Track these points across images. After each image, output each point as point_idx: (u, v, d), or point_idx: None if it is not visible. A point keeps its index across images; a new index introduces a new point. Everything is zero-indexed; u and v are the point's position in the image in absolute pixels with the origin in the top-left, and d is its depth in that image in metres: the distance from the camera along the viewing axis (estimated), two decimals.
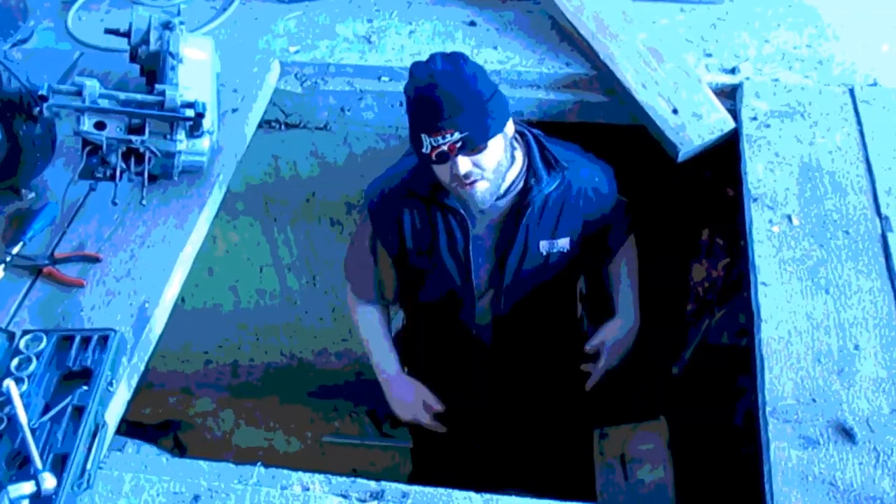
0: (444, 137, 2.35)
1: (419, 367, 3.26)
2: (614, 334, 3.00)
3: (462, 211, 2.65)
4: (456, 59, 2.43)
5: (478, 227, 2.71)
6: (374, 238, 2.91)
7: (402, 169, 2.79)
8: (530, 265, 2.76)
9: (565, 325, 3.18)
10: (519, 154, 2.64)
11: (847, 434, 2.07)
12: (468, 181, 2.45)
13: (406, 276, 2.97)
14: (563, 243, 2.75)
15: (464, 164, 2.41)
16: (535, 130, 2.74)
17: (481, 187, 2.49)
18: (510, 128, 2.52)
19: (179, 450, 4.94)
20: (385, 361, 3.12)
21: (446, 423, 3.23)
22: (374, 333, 3.14)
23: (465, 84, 2.38)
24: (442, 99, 2.35)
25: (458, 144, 2.36)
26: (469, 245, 2.71)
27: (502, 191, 2.62)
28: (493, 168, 2.46)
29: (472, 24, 3.48)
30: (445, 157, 2.40)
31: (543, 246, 2.73)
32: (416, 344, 3.26)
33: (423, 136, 2.38)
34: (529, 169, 2.65)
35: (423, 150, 2.40)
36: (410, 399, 3.11)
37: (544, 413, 3.24)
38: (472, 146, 2.38)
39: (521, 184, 2.65)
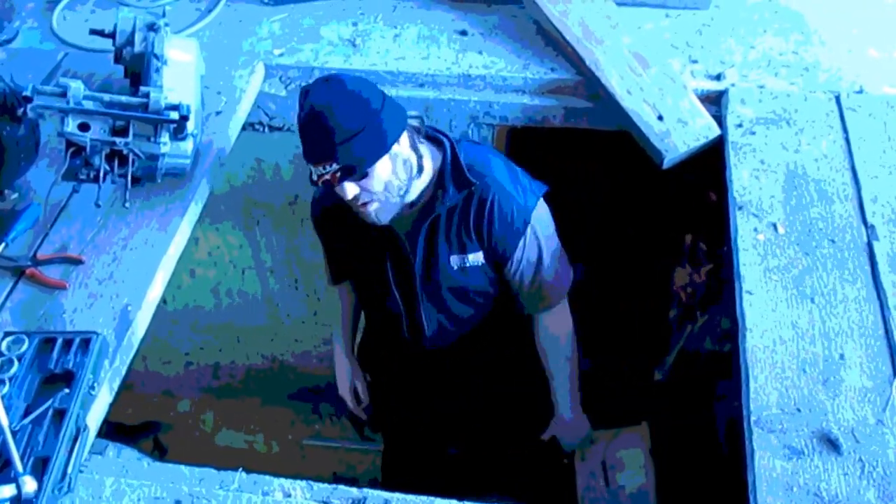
0: (323, 168, 2.37)
1: (377, 372, 3.35)
2: (561, 434, 3.12)
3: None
4: (333, 87, 2.40)
5: (391, 234, 2.70)
6: (317, 232, 3.01)
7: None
8: (447, 276, 2.73)
9: (519, 331, 3.07)
10: (428, 163, 2.60)
11: (832, 444, 2.07)
12: (359, 203, 2.47)
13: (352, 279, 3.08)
14: (476, 258, 2.69)
15: (350, 189, 2.42)
16: (461, 139, 2.71)
17: (373, 208, 2.49)
18: (403, 143, 2.47)
19: (160, 451, 4.92)
20: (337, 339, 3.31)
21: (412, 427, 3.26)
22: (337, 313, 3.30)
23: (340, 115, 2.34)
24: (317, 133, 2.36)
25: (338, 174, 2.37)
26: (384, 251, 2.74)
27: (410, 199, 2.60)
28: (381, 190, 2.45)
29: (464, 33, 3.47)
30: (330, 185, 2.42)
31: (454, 260, 2.70)
32: (373, 348, 3.33)
33: (309, 165, 2.42)
34: (439, 179, 2.61)
35: (313, 179, 2.43)
36: (343, 381, 3.31)
37: (517, 419, 3.24)
38: (352, 175, 2.38)
39: (431, 193, 2.62)
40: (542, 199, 2.70)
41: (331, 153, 2.34)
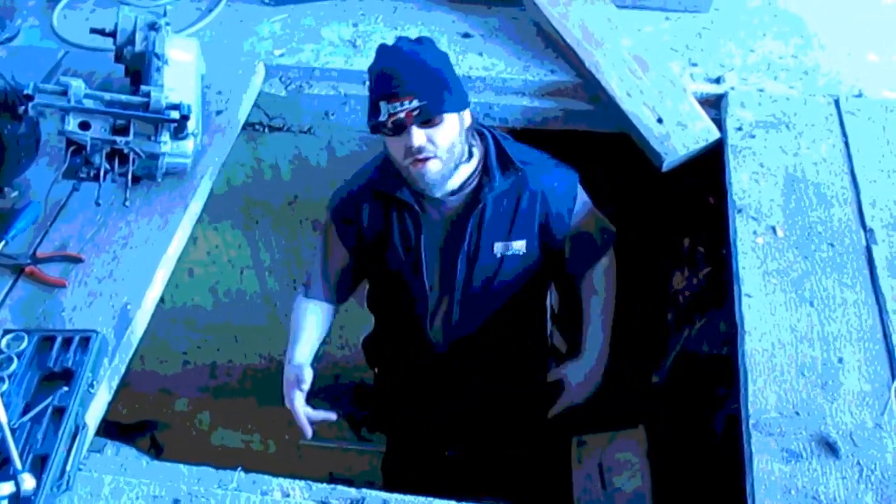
0: (401, 104, 2.37)
1: (385, 371, 3.31)
2: (574, 376, 2.95)
3: (416, 206, 2.66)
4: (421, 40, 2.53)
5: (431, 224, 2.71)
6: (334, 234, 2.90)
7: (364, 170, 2.82)
8: (484, 266, 2.75)
9: (529, 334, 3.15)
10: (476, 151, 2.65)
11: (830, 448, 2.07)
12: (421, 156, 2.46)
13: (365, 275, 3.00)
14: (519, 246, 2.73)
15: (418, 136, 2.42)
16: (497, 132, 2.76)
17: (433, 166, 2.49)
18: (467, 117, 2.55)
19: (156, 450, 4.92)
20: (290, 350, 2.93)
21: (416, 427, 3.24)
22: (296, 323, 3.00)
23: (427, 59, 2.45)
24: (403, 67, 2.40)
25: (416, 112, 2.38)
26: (420, 240, 2.72)
27: (457, 185, 2.63)
28: (446, 147, 2.47)
29: (467, 35, 3.48)
30: (402, 126, 2.41)
31: (498, 248, 2.72)
32: (383, 347, 3.26)
33: (381, 103, 2.41)
34: (485, 168, 2.65)
35: (380, 118, 2.42)
36: (286, 381, 2.88)
37: (518, 421, 3.24)
38: (428, 116, 2.40)
39: (476, 182, 2.66)
40: None
41: (415, 88, 2.37)
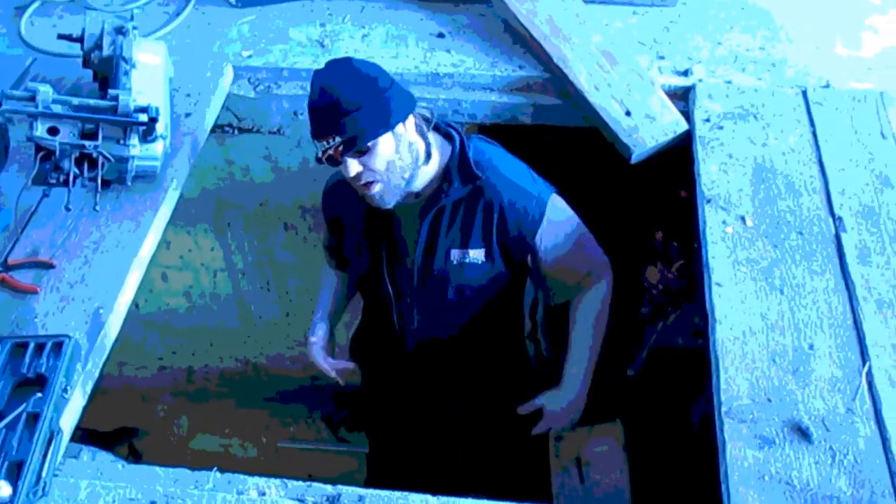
0: (327, 143, 2.42)
1: (364, 366, 3.30)
2: (553, 405, 2.99)
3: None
4: (342, 65, 2.49)
5: (397, 224, 2.75)
6: (326, 220, 3.00)
7: None
8: (439, 271, 2.74)
9: (501, 341, 3.14)
10: (436, 153, 2.65)
11: (803, 434, 2.09)
12: (360, 183, 2.51)
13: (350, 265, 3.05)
14: (476, 255, 2.71)
15: (352, 166, 2.46)
16: (477, 137, 2.77)
17: (377, 189, 2.52)
18: (409, 126, 2.53)
19: (135, 457, 4.90)
20: (313, 325, 3.17)
21: (396, 424, 3.25)
22: (319, 296, 3.25)
23: (346, 90, 2.42)
24: (322, 105, 2.41)
25: (340, 148, 2.41)
26: (387, 240, 2.76)
27: (416, 188, 2.65)
28: (382, 169, 2.48)
29: (441, 35, 3.48)
30: (334, 161, 2.46)
31: (454, 254, 2.71)
32: (364, 342, 3.29)
33: (314, 141, 2.46)
34: (446, 171, 2.65)
35: (316, 155, 2.47)
36: (308, 343, 3.13)
37: (494, 418, 3.24)
38: (354, 148, 2.42)
39: (437, 185, 2.67)
40: (555, 193, 2.76)
41: (335, 125, 2.39)
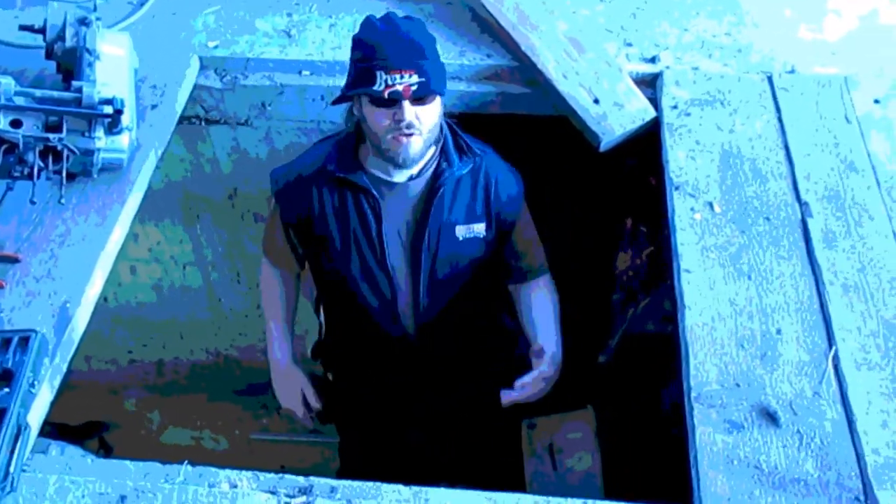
0: (402, 77, 2.40)
1: (344, 371, 3.30)
2: (546, 371, 2.95)
3: (374, 192, 2.67)
4: (413, 19, 2.58)
5: (390, 209, 2.72)
6: (279, 216, 2.92)
7: (314, 154, 2.82)
8: (448, 249, 2.77)
9: (488, 318, 3.18)
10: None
11: (771, 418, 2.11)
12: (408, 131, 2.49)
13: (324, 263, 2.96)
14: (479, 228, 2.77)
15: (409, 112, 2.44)
16: (449, 120, 2.78)
17: (416, 142, 2.52)
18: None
19: (105, 451, 4.88)
20: (277, 344, 3.14)
21: (372, 416, 3.24)
22: (273, 308, 3.16)
23: (423, 39, 2.49)
24: (403, 41, 2.44)
25: (414, 87, 2.40)
26: (382, 226, 2.72)
27: (417, 170, 2.67)
28: (430, 126, 2.52)
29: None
30: (396, 99, 2.43)
31: (460, 231, 2.75)
32: (338, 351, 3.25)
33: (378, 73, 2.41)
34: (442, 153, 2.69)
35: (375, 87, 2.41)
36: (289, 390, 3.12)
37: (470, 405, 3.25)
38: (424, 93, 2.43)
39: (434, 166, 2.69)
40: None
41: (416, 63, 2.41)
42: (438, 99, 2.52)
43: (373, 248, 2.77)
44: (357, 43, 2.53)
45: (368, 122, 2.54)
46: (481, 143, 2.81)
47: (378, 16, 2.55)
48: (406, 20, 2.54)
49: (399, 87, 2.40)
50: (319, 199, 2.76)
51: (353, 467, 3.54)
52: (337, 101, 2.65)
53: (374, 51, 2.44)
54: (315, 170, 2.76)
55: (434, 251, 2.76)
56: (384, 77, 2.40)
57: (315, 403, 3.09)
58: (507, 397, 2.92)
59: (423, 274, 2.80)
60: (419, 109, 2.46)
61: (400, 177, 2.68)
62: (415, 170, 2.67)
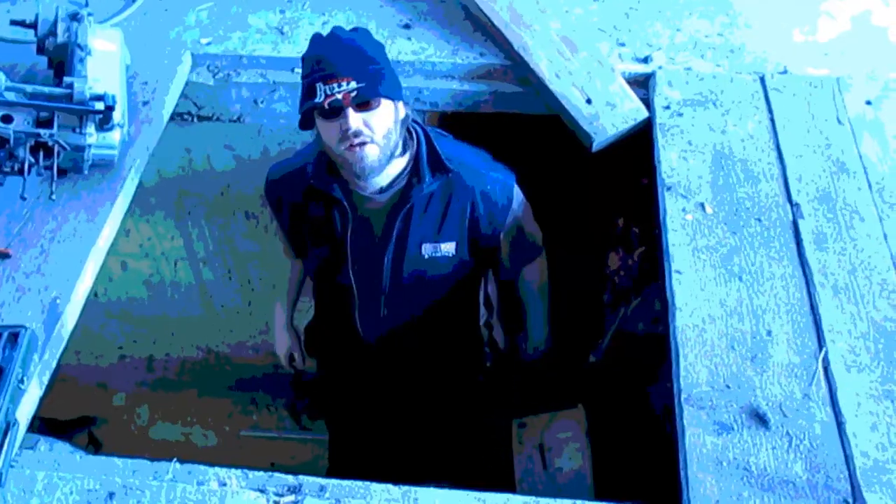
0: (339, 85, 2.35)
1: (322, 359, 3.34)
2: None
3: (345, 203, 2.65)
4: (357, 29, 2.57)
5: (359, 221, 2.70)
6: (272, 211, 2.95)
7: (303, 154, 2.81)
8: (411, 266, 2.74)
9: (460, 328, 3.17)
10: (408, 149, 2.64)
11: (760, 419, 2.11)
12: (357, 140, 2.43)
13: (304, 258, 3.03)
14: (448, 248, 2.73)
15: (355, 119, 2.39)
16: (433, 130, 2.75)
17: (371, 151, 2.45)
18: (402, 110, 2.54)
19: (95, 446, 4.87)
20: (278, 314, 3.32)
21: (356, 414, 3.26)
22: (282, 285, 3.31)
23: (363, 45, 2.46)
24: (340, 51, 2.41)
25: (353, 94, 2.36)
26: (347, 236, 2.71)
27: (387, 182, 2.62)
28: (382, 133, 2.45)
29: (407, 26, 3.45)
30: (338, 109, 2.39)
31: (426, 248, 2.72)
32: (319, 336, 3.30)
33: (317, 85, 2.38)
34: (415, 167, 2.63)
35: (317, 100, 2.38)
36: (281, 346, 3.34)
37: (457, 407, 3.25)
38: (365, 98, 2.38)
39: (405, 180, 2.64)
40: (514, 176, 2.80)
41: (355, 69, 2.37)
42: (390, 104, 2.46)
43: (338, 257, 2.77)
44: (302, 61, 2.52)
45: (322, 136, 2.52)
46: (467, 151, 2.77)
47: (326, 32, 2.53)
48: (351, 31, 2.53)
49: (339, 95, 2.36)
50: (300, 199, 2.77)
51: (341, 466, 3.54)
52: (302, 125, 2.58)
53: (316, 64, 2.42)
54: (298, 169, 2.75)
55: (396, 268, 2.75)
56: (324, 88, 2.37)
57: (299, 362, 3.36)
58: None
59: (384, 288, 2.80)
60: (366, 116, 2.41)
61: (369, 189, 2.64)
62: (384, 181, 2.62)
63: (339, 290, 2.86)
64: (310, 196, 2.72)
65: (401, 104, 2.53)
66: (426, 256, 2.73)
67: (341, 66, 2.37)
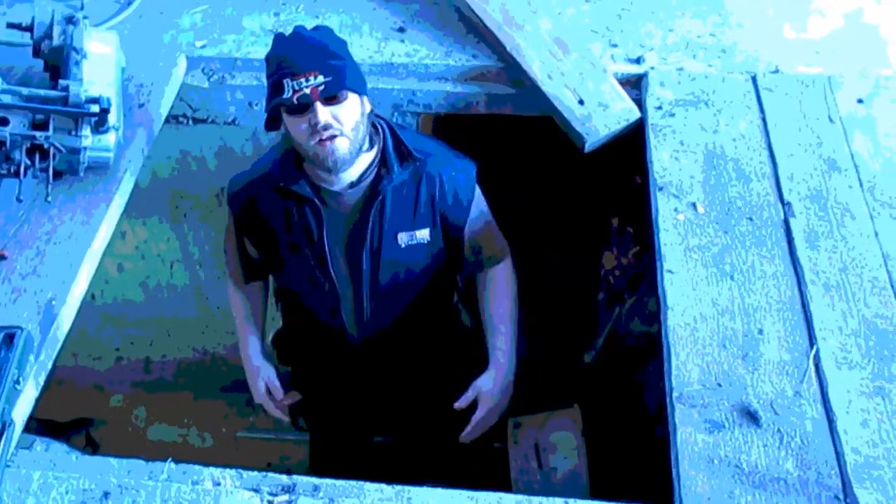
0: (306, 80, 2.41)
1: (300, 366, 3.32)
2: (487, 387, 2.93)
3: (316, 201, 2.68)
4: (318, 28, 2.63)
5: (333, 218, 2.72)
6: (236, 225, 2.96)
7: (266, 161, 2.84)
8: (390, 257, 2.76)
9: (442, 319, 3.18)
10: (374, 143, 2.69)
11: (752, 417, 2.11)
12: (326, 134, 2.47)
13: (274, 266, 3.02)
14: (423, 235, 2.76)
15: (323, 113, 2.44)
16: (394, 123, 2.78)
17: (341, 144, 2.50)
18: (367, 105, 2.59)
19: (92, 447, 4.88)
20: (243, 344, 3.20)
21: (338, 416, 3.26)
22: (239, 315, 3.23)
23: (327, 40, 2.53)
24: (305, 48, 2.46)
25: (320, 88, 2.41)
26: (324, 235, 2.72)
27: (356, 177, 2.66)
28: (351, 126, 2.50)
29: (402, 29, 3.46)
30: (307, 103, 2.43)
31: (402, 238, 2.74)
32: (295, 343, 3.29)
33: (285, 81, 2.43)
34: (382, 159, 2.68)
35: (284, 96, 2.43)
36: (256, 386, 3.16)
37: (449, 405, 3.26)
38: (333, 92, 2.43)
39: (374, 174, 2.68)
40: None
41: (321, 63, 2.42)
42: (356, 98, 2.52)
43: (315, 256, 2.78)
44: (267, 60, 2.56)
45: (291, 133, 2.56)
46: (429, 141, 2.83)
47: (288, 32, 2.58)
48: (313, 29, 2.59)
49: (306, 90, 2.41)
50: (266, 205, 2.78)
51: (322, 464, 3.54)
52: (268, 126, 2.63)
53: (281, 62, 2.47)
54: (262, 175, 2.78)
55: (375, 260, 2.77)
56: (291, 83, 2.42)
57: (279, 395, 3.13)
58: (466, 436, 3.00)
59: (365, 282, 2.81)
60: (334, 109, 2.46)
61: (339, 185, 2.67)
62: (353, 176, 2.66)
63: (321, 293, 2.87)
64: (279, 198, 2.74)
65: (365, 98, 2.58)
66: (403, 246, 2.75)
67: (307, 62, 2.43)
